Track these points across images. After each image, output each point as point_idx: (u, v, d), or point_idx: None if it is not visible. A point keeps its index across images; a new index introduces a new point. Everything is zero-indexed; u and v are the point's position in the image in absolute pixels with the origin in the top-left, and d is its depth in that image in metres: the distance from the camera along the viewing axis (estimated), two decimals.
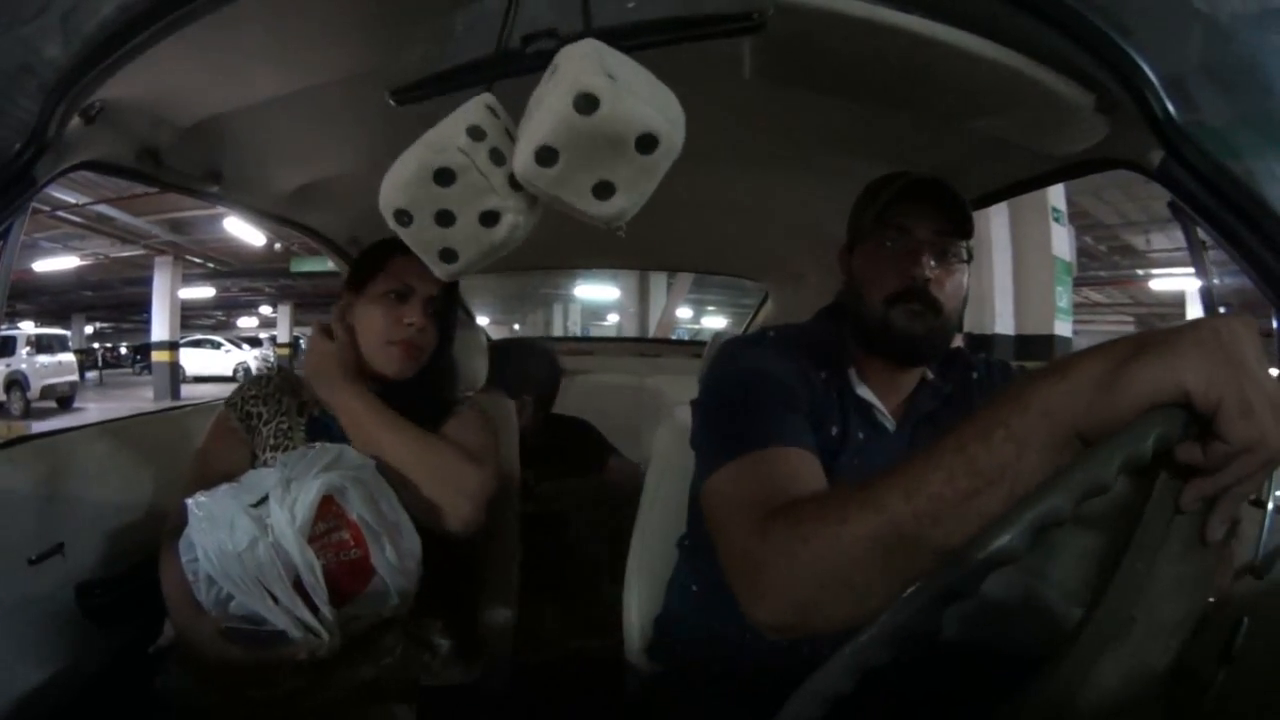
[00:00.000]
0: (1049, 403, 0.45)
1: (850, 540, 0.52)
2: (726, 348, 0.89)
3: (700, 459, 0.79)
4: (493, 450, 1.08)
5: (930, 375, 0.91)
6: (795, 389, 0.81)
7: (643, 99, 0.59)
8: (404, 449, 0.97)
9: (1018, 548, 0.41)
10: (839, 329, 0.91)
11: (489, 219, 0.66)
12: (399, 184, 0.66)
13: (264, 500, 0.83)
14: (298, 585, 0.80)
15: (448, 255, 0.70)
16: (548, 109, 0.59)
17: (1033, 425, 0.45)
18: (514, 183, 0.65)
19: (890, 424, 0.88)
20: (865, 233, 0.87)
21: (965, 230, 0.84)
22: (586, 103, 0.57)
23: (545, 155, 0.60)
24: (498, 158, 0.65)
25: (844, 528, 0.53)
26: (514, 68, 0.65)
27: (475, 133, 0.64)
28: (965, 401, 0.91)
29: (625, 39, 0.61)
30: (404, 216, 0.68)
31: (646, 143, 0.60)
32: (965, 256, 0.86)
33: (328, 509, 0.84)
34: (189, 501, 0.84)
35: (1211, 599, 0.47)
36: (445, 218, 0.67)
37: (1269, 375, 0.43)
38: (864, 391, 0.87)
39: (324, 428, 1.05)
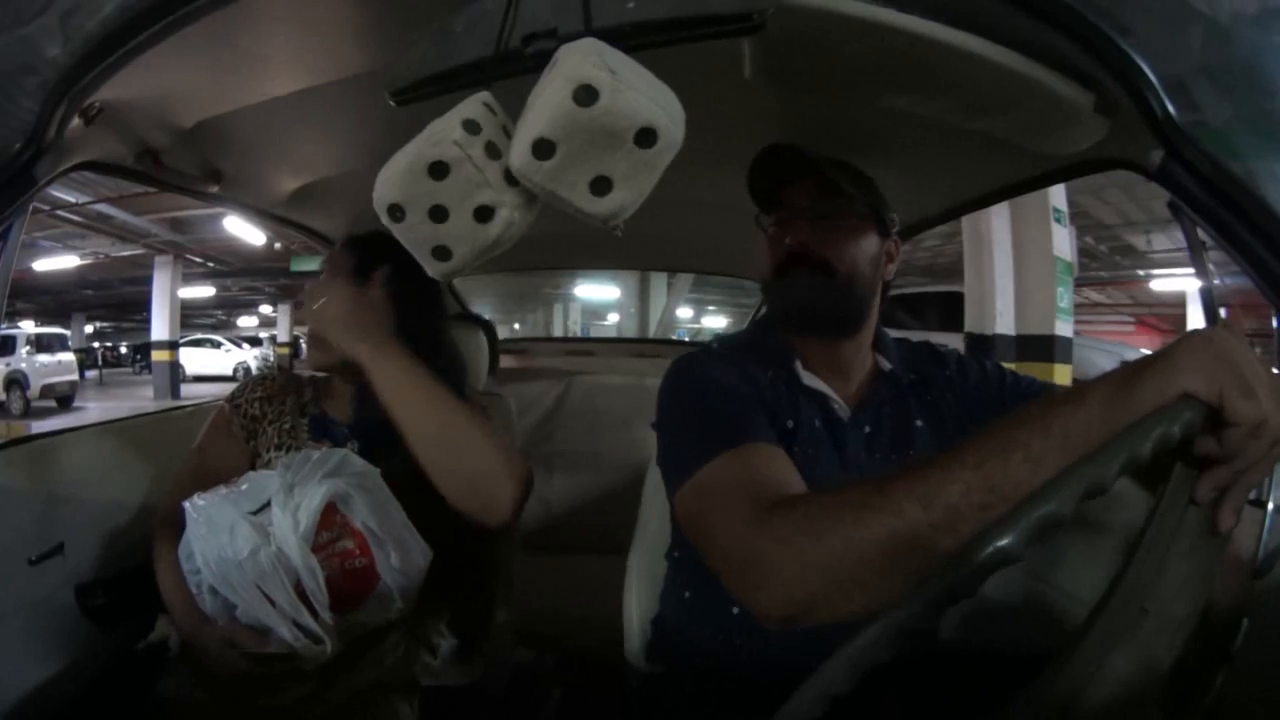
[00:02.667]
0: (1068, 428, 0.48)
1: (864, 542, 0.53)
2: (676, 365, 0.89)
3: (671, 471, 0.77)
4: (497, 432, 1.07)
5: (887, 365, 0.92)
6: (748, 392, 0.82)
7: (642, 93, 0.59)
8: (453, 423, 0.85)
9: (1015, 548, 0.41)
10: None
11: (483, 214, 0.66)
12: (393, 178, 0.66)
13: (265, 507, 0.82)
14: (299, 590, 0.79)
15: (441, 253, 0.69)
16: (546, 101, 0.59)
17: (1051, 449, 0.48)
18: (510, 178, 0.65)
19: (845, 412, 0.88)
20: (757, 217, 0.92)
21: (827, 187, 0.86)
22: (586, 94, 0.57)
23: (542, 147, 0.60)
24: (493, 152, 0.64)
25: (858, 530, 0.54)
26: (514, 68, 0.65)
27: (471, 126, 0.64)
28: (931, 394, 0.92)
29: (625, 39, 0.61)
30: (397, 212, 0.67)
31: (645, 137, 0.59)
32: (848, 212, 0.87)
33: (331, 517, 0.83)
34: (186, 505, 0.83)
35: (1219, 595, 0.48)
36: (439, 213, 0.66)
37: (1263, 364, 0.47)
38: (813, 381, 0.88)
39: (326, 427, 1.06)
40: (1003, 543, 0.41)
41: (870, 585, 0.54)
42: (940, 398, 0.92)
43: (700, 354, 0.92)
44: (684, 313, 14.47)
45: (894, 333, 0.99)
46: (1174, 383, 0.46)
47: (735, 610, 0.86)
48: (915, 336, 1.03)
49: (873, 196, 0.90)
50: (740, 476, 0.68)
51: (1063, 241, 4.82)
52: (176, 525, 0.85)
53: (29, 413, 10.29)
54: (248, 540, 0.79)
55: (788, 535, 0.58)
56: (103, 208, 9.44)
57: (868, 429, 0.88)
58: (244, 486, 0.85)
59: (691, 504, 0.72)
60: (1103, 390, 0.49)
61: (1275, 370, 0.48)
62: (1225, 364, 0.46)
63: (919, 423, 0.90)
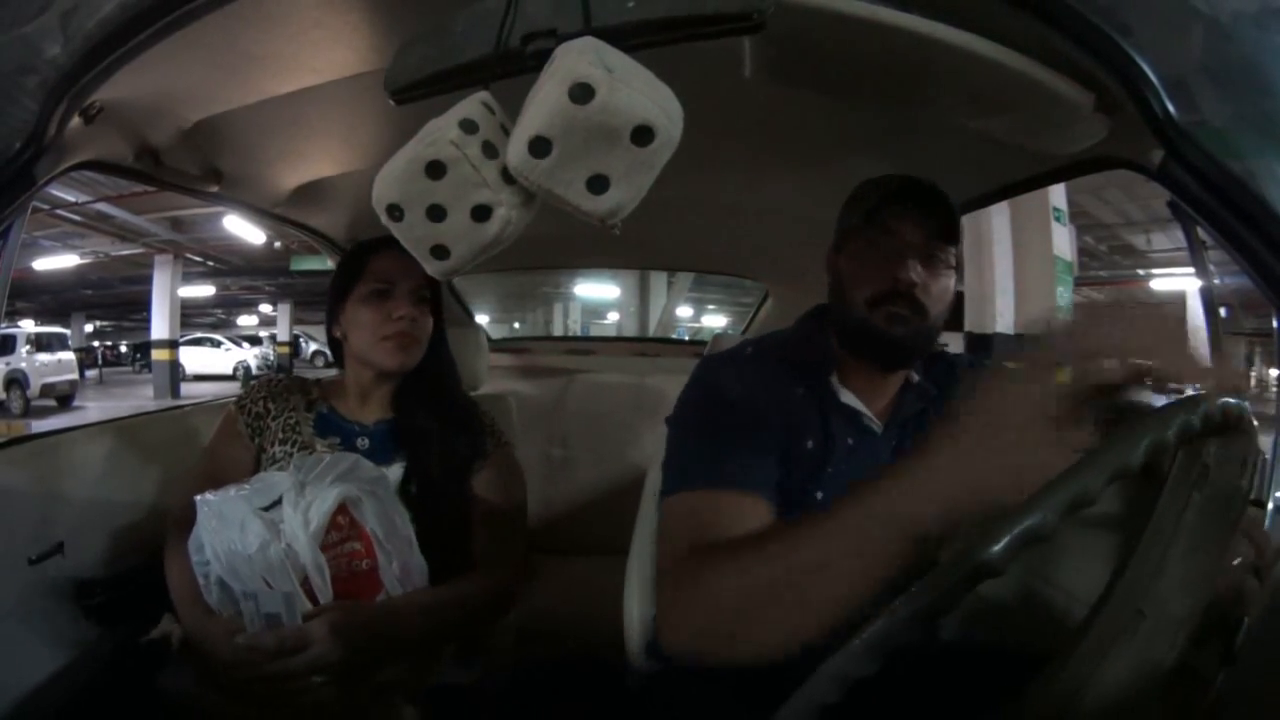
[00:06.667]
0: (893, 504, 0.51)
1: (744, 586, 0.58)
2: (704, 366, 0.89)
3: (664, 476, 0.81)
4: (522, 497, 1.13)
5: (915, 377, 0.91)
6: (764, 416, 0.82)
7: (639, 91, 0.59)
8: (442, 627, 0.96)
9: (998, 561, 0.41)
10: (822, 334, 0.91)
11: (481, 214, 0.66)
12: (391, 178, 0.66)
13: (275, 504, 0.83)
14: (305, 588, 0.80)
15: (439, 252, 0.69)
16: (542, 99, 0.59)
17: (888, 514, 0.51)
18: (507, 177, 0.65)
19: (877, 427, 0.88)
20: (852, 233, 0.87)
21: (952, 235, 0.85)
22: (582, 92, 0.57)
23: (539, 145, 0.60)
24: (490, 151, 0.65)
25: (741, 578, 0.59)
26: (513, 67, 0.65)
27: (468, 126, 0.64)
28: (940, 404, 0.91)
29: (625, 38, 0.61)
30: (395, 211, 0.67)
31: (642, 135, 0.59)
32: (952, 262, 0.85)
33: (342, 519, 0.84)
34: (198, 499, 0.84)
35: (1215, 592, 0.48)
36: (436, 212, 0.66)
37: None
38: (848, 398, 0.87)
39: (331, 424, 1.07)
40: (985, 556, 0.40)
41: (750, 627, 0.58)
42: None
43: (731, 356, 0.91)
44: (684, 312, 14.47)
45: None
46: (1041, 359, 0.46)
47: None
48: None
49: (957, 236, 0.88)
50: (697, 521, 0.73)
51: (1063, 241, 4.82)
52: (188, 526, 0.86)
53: (29, 412, 10.28)
54: (258, 535, 0.80)
55: (689, 582, 0.65)
56: (103, 207, 9.44)
57: (894, 441, 0.88)
58: (255, 484, 0.86)
59: (661, 523, 0.79)
60: (922, 463, 0.51)
61: (1275, 371, 0.48)
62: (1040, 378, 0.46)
63: None
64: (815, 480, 0.83)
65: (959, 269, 0.88)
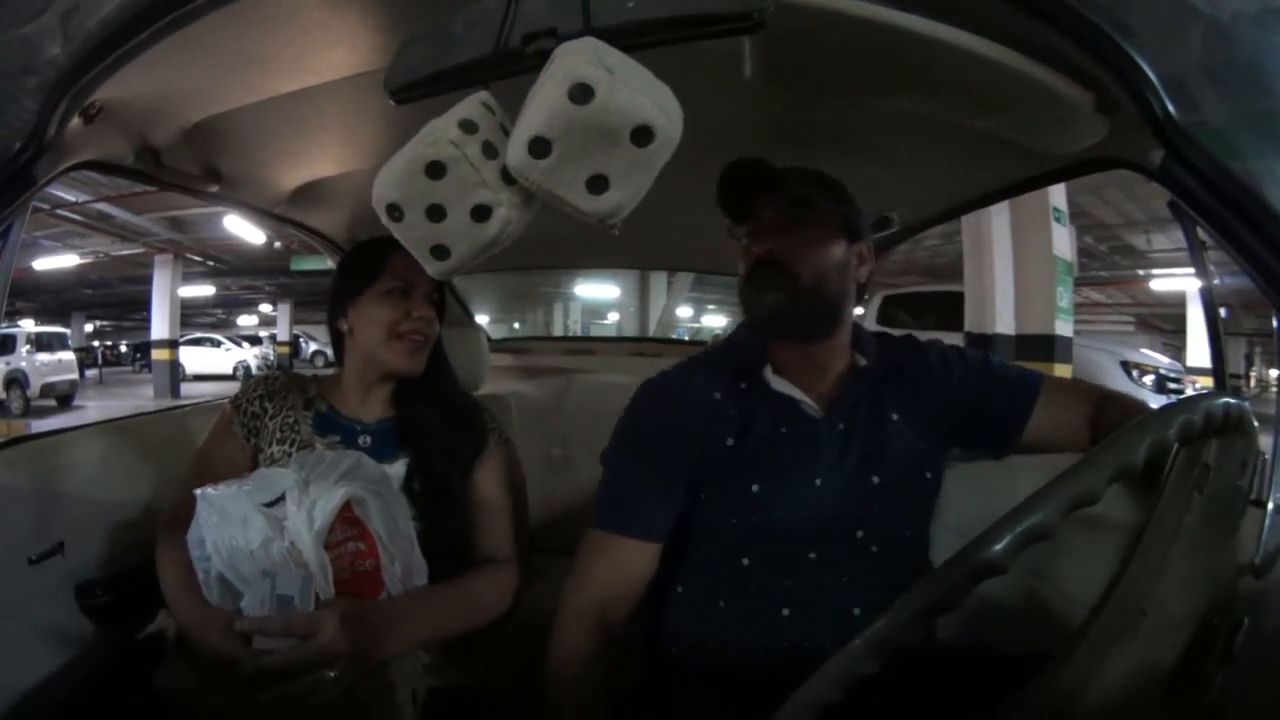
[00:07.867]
0: None
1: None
2: (632, 399, 0.96)
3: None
4: (524, 493, 1.15)
5: (862, 361, 0.93)
6: (672, 444, 0.89)
7: (639, 91, 0.59)
8: (449, 624, 0.94)
9: (1000, 560, 0.41)
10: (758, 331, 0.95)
11: (480, 214, 0.66)
12: (391, 178, 0.66)
13: (279, 500, 0.82)
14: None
15: (439, 252, 0.70)
16: (542, 99, 0.59)
17: None
18: (507, 177, 0.65)
19: (815, 412, 0.89)
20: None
21: (790, 201, 0.89)
22: (581, 93, 0.57)
23: (538, 146, 0.60)
24: (490, 151, 0.65)
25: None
26: (513, 67, 0.65)
27: (467, 126, 0.64)
28: (908, 386, 0.93)
29: (625, 38, 0.61)
30: (395, 211, 0.67)
31: (642, 135, 0.60)
32: (819, 226, 0.89)
33: (346, 518, 0.84)
34: (197, 492, 0.83)
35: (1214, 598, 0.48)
36: (436, 212, 0.66)
37: None
38: (781, 386, 0.90)
39: (331, 422, 1.07)
40: (987, 555, 0.40)
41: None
42: (919, 389, 0.92)
43: (657, 383, 0.96)
44: (684, 312, 14.47)
45: (897, 332, 1.00)
46: None
47: (721, 604, 0.87)
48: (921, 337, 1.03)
49: (841, 204, 0.91)
50: (599, 567, 0.88)
51: (1063, 241, 4.82)
52: (182, 524, 0.86)
53: (29, 412, 10.28)
54: (260, 532, 0.79)
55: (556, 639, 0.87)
56: (103, 207, 9.43)
57: (841, 426, 0.89)
58: (256, 480, 0.86)
59: (580, 547, 0.90)
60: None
61: (1275, 370, 0.48)
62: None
63: (894, 416, 0.91)
64: (749, 472, 0.87)
65: (852, 233, 0.91)
